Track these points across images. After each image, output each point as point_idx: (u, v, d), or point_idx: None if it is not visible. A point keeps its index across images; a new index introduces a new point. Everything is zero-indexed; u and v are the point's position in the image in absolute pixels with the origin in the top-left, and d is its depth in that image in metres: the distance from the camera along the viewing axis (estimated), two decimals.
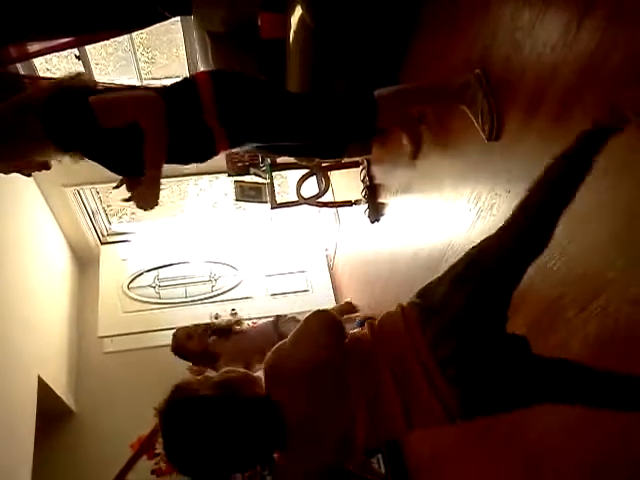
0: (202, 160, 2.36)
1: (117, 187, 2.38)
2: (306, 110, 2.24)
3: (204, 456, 1.20)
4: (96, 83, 2.26)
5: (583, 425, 1.75)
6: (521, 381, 1.23)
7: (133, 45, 4.61)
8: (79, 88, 2.09)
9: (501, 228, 1.30)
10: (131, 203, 2.26)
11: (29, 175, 2.25)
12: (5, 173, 2.20)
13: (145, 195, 2.12)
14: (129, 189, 2.31)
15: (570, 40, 1.66)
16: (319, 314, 1.34)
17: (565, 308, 1.77)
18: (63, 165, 2.40)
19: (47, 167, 2.22)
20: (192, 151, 2.29)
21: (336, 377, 1.26)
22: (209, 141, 2.22)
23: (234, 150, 2.39)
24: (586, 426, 1.74)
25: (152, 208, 2.18)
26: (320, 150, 2.58)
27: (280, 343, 1.34)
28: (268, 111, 2.20)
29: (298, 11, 2.78)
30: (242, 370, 1.30)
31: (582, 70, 1.64)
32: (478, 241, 1.33)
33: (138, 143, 2.03)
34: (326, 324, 1.32)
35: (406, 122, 2.52)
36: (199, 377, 1.27)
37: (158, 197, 2.14)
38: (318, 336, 1.30)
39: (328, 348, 1.28)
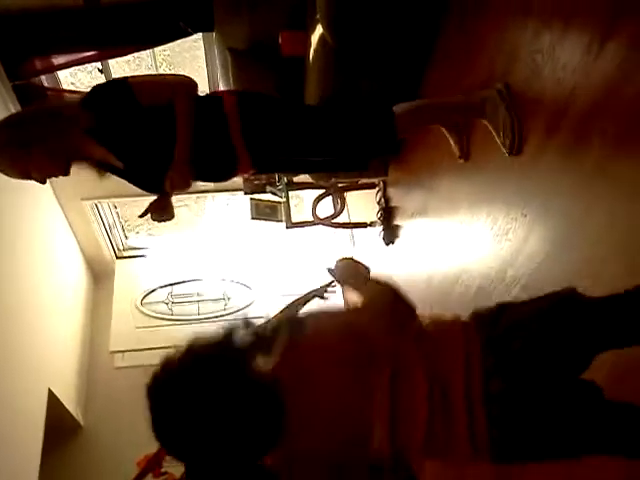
0: (223, 179, 2.38)
1: (143, 215, 2.36)
2: (326, 125, 2.25)
3: (187, 433, 1.03)
4: None
5: None
6: (573, 433, 1.10)
7: (155, 62, 4.66)
8: None
9: (604, 301, 1.19)
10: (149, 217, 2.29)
11: (43, 182, 2.19)
12: (21, 178, 2.12)
13: (178, 175, 2.14)
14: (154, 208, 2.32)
15: (591, 63, 1.63)
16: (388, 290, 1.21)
17: None
18: (83, 178, 2.36)
19: (67, 172, 2.15)
20: (215, 168, 2.30)
21: (367, 368, 1.12)
22: (232, 160, 2.23)
23: (255, 171, 2.41)
24: None
25: (186, 188, 2.19)
26: (343, 164, 2.55)
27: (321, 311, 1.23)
28: (291, 130, 2.21)
29: (319, 29, 2.78)
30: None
31: (602, 94, 1.60)
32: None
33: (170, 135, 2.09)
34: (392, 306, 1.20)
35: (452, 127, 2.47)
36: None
37: (190, 178, 2.16)
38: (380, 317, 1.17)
39: (389, 334, 1.15)
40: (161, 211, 2.31)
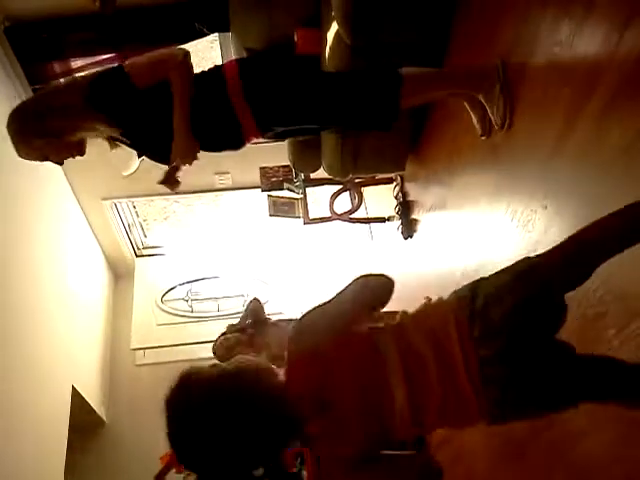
0: (234, 147, 2.39)
1: (162, 182, 2.46)
2: (330, 84, 2.29)
3: (206, 452, 1.13)
4: None
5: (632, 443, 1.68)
6: (560, 385, 1.21)
7: None
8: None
9: (560, 245, 1.31)
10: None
11: (61, 163, 2.31)
12: (39, 159, 2.24)
13: (180, 148, 2.21)
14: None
15: (611, 50, 1.63)
16: (371, 275, 1.33)
17: (603, 328, 1.71)
18: (102, 178, 2.41)
19: (81, 152, 2.28)
20: (222, 136, 2.34)
21: (375, 347, 1.22)
22: (237, 125, 2.26)
23: (265, 136, 2.41)
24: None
25: (192, 160, 2.27)
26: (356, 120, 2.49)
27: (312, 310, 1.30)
28: (294, 88, 2.25)
29: (334, 27, 2.79)
30: (256, 360, 1.24)
31: (622, 84, 1.60)
32: (513, 259, 1.32)
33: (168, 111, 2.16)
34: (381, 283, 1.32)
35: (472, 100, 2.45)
36: (209, 364, 1.23)
37: (194, 149, 2.24)
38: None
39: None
40: (182, 154, 2.29)
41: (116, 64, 2.28)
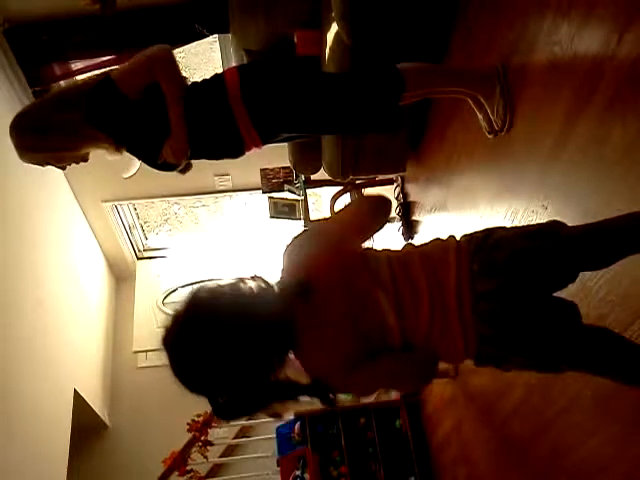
0: (233, 155, 2.37)
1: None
2: (330, 91, 2.26)
3: (211, 371, 1.16)
4: None
5: (631, 445, 1.68)
6: (547, 335, 1.20)
7: None
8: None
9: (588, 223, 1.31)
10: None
11: (64, 168, 2.34)
12: (41, 165, 2.27)
13: (174, 142, 2.16)
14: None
15: (610, 53, 1.62)
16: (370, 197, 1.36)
17: None
18: (103, 180, 2.39)
19: (85, 159, 2.30)
20: (222, 144, 2.32)
21: (366, 263, 1.24)
22: (238, 134, 2.24)
23: (267, 144, 2.38)
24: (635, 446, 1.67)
25: (183, 157, 2.22)
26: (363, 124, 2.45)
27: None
28: (295, 98, 2.22)
29: (334, 28, 2.78)
30: None
31: (622, 86, 1.59)
32: None
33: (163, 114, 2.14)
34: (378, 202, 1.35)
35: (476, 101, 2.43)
36: None
37: (186, 145, 2.18)
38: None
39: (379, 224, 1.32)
40: (174, 150, 2.23)
41: (104, 75, 2.23)
